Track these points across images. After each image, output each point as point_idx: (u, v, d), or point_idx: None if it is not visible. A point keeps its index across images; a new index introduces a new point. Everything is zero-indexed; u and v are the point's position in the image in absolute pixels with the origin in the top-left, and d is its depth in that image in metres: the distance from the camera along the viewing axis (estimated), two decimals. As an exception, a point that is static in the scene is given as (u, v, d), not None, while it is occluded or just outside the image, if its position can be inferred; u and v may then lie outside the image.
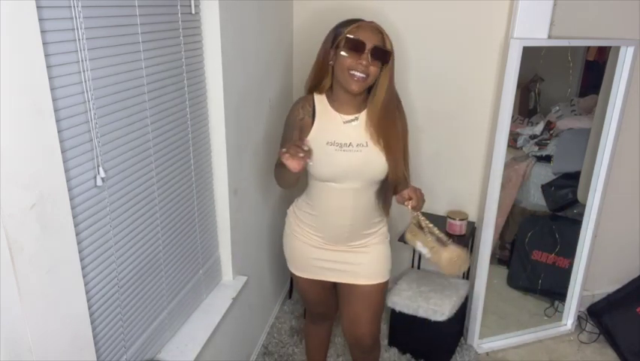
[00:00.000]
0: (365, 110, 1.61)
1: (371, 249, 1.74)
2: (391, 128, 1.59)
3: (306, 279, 1.80)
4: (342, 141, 1.58)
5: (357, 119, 1.60)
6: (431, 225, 1.65)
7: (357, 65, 1.48)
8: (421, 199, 1.58)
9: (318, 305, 1.95)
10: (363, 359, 1.94)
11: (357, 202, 1.64)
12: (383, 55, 1.51)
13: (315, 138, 1.58)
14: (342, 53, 1.50)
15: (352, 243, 1.72)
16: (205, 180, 1.79)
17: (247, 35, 1.91)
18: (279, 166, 1.59)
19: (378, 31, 1.52)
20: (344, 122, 1.60)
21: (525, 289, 2.88)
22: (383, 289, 1.77)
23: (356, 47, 1.48)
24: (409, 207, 1.57)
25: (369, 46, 1.48)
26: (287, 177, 1.61)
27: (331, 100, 1.62)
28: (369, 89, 1.59)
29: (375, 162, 1.59)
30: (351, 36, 1.49)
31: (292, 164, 1.42)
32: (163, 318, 1.59)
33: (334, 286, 1.84)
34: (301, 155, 1.42)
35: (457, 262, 1.64)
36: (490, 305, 2.64)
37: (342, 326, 1.85)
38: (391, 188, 1.66)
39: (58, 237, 1.04)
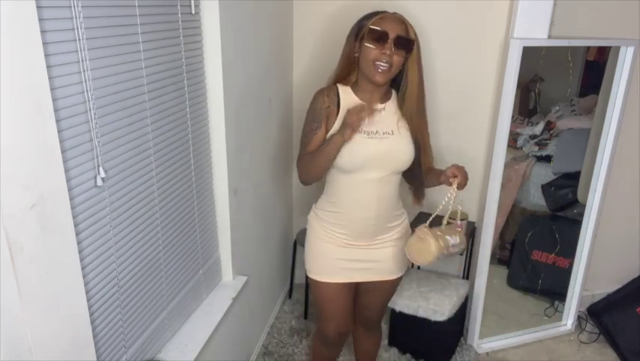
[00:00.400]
0: (390, 100, 1.65)
1: (393, 245, 1.76)
2: (424, 117, 1.68)
3: (333, 284, 1.76)
4: (369, 129, 1.58)
5: (384, 108, 1.63)
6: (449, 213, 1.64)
7: (381, 55, 1.51)
8: (465, 176, 1.59)
9: (340, 319, 1.82)
10: (364, 338, 2.05)
11: (380, 192, 1.65)
12: (406, 44, 1.53)
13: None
14: (367, 44, 1.52)
15: (377, 237, 1.73)
16: (205, 180, 1.79)
17: (247, 35, 1.91)
18: (311, 153, 1.62)
19: (401, 21, 1.54)
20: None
21: (525, 289, 2.89)
22: (399, 281, 1.87)
23: (379, 38, 1.50)
24: (454, 184, 1.56)
25: (392, 35, 1.50)
26: (328, 157, 1.57)
27: (356, 91, 1.64)
28: (395, 80, 1.63)
29: (400, 150, 1.63)
30: (375, 27, 1.51)
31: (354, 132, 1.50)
32: (163, 318, 1.59)
33: (356, 304, 1.89)
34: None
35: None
36: (490, 305, 2.64)
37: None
38: (423, 176, 1.70)
39: (58, 237, 1.04)
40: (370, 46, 1.52)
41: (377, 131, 1.59)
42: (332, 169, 1.65)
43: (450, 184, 1.58)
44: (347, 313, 1.84)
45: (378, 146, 1.59)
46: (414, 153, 1.65)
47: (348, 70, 1.63)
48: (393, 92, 1.68)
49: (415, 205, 1.79)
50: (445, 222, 1.64)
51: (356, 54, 1.58)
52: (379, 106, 1.60)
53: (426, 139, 1.69)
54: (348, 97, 1.62)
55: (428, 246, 1.55)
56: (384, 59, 1.50)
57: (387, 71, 1.53)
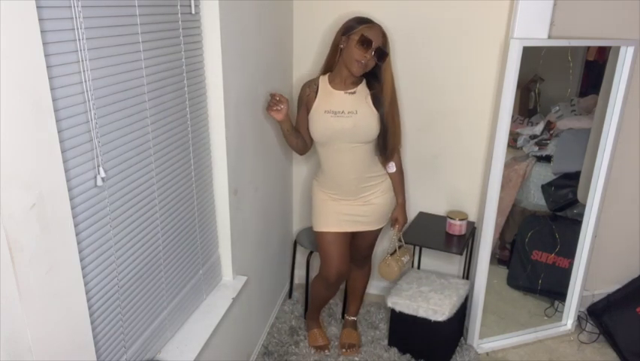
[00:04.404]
0: (360, 86, 2.02)
1: (375, 202, 2.17)
2: (395, 108, 2.06)
3: (331, 233, 2.17)
4: (336, 110, 2.00)
5: (355, 92, 2.01)
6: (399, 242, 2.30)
7: (362, 57, 1.89)
8: (404, 221, 2.26)
9: (338, 262, 2.19)
10: (355, 273, 2.46)
11: (353, 158, 2.06)
12: (382, 55, 1.93)
13: (317, 107, 2.03)
14: (355, 45, 1.89)
15: (359, 195, 2.14)
16: (205, 180, 1.79)
17: (247, 35, 1.91)
18: (285, 135, 2.10)
19: (382, 34, 1.93)
20: (341, 94, 2.01)
21: (525, 289, 2.88)
22: (380, 230, 2.29)
23: (366, 44, 1.88)
24: (396, 228, 2.24)
25: (374, 45, 1.89)
26: (288, 136, 2.08)
27: (331, 80, 2.05)
28: (367, 74, 2.01)
29: (363, 125, 2.00)
30: (365, 34, 1.88)
31: (276, 115, 1.98)
32: (163, 318, 1.59)
33: (350, 244, 2.25)
34: (281, 107, 1.97)
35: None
36: (490, 305, 2.65)
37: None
38: (386, 150, 2.07)
39: (58, 237, 1.04)
40: (358, 48, 1.89)
41: (343, 111, 1.99)
42: (316, 144, 2.11)
43: (393, 225, 2.25)
44: (343, 256, 2.21)
45: (344, 123, 1.99)
46: (378, 128, 2.01)
47: (334, 58, 2.01)
48: (364, 80, 2.03)
49: (384, 168, 2.17)
50: (397, 250, 2.29)
51: (341, 46, 1.94)
52: (350, 90, 2.01)
53: (394, 124, 2.05)
54: (325, 86, 2.05)
55: (392, 269, 2.25)
56: (363, 60, 1.90)
57: (363, 68, 1.93)
